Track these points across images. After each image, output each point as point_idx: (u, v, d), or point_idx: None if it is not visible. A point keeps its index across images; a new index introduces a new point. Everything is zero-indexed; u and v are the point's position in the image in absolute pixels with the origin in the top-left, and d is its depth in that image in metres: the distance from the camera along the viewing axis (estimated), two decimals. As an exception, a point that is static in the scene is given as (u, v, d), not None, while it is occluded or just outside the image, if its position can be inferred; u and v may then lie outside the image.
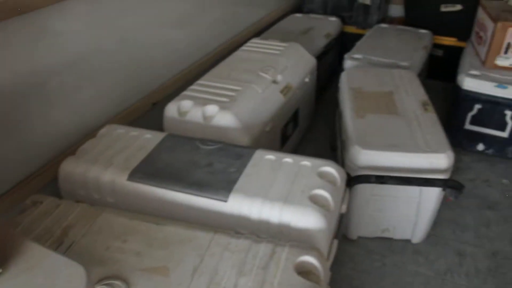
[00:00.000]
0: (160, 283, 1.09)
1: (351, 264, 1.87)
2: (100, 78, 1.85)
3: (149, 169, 1.47)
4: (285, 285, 1.07)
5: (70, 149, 1.70)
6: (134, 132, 1.67)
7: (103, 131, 1.70)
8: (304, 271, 1.13)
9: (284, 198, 1.31)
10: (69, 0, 1.60)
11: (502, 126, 2.45)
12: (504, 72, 2.46)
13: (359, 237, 1.97)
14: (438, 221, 2.04)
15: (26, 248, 0.98)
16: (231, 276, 1.10)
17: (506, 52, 2.45)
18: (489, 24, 2.49)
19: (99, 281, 1.09)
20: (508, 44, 2.43)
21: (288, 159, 1.48)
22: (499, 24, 2.39)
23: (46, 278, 0.91)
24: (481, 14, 2.70)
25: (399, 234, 1.95)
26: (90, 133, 1.77)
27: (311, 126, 2.72)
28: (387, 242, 1.96)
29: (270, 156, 1.50)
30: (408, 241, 1.97)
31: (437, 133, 1.83)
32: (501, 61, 2.48)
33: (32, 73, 1.53)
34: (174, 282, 1.09)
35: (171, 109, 1.84)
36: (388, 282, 1.79)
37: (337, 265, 1.82)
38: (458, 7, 3.12)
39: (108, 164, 1.48)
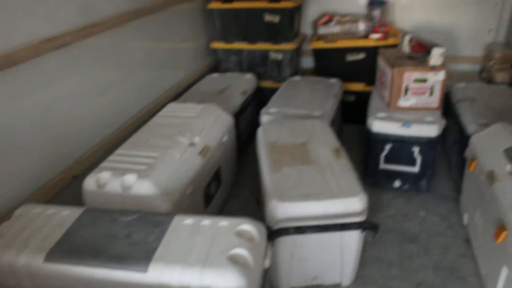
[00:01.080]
0: None
1: (285, 316, 1.89)
2: (14, 155, 1.83)
3: (67, 248, 1.44)
4: None
5: (-17, 235, 1.64)
6: (52, 210, 1.64)
7: (18, 212, 1.65)
8: (227, 334, 1.15)
9: (203, 261, 1.33)
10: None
11: (412, 162, 2.63)
12: (407, 112, 2.67)
13: None
14: (365, 260, 2.13)
15: None
16: None
17: (406, 93, 2.67)
18: (388, 70, 2.72)
19: None
20: (407, 87, 2.65)
21: (206, 221, 1.51)
22: (396, 70, 2.62)
23: None
24: (380, 62, 2.94)
25: (328, 280, 2.00)
26: (5, 215, 1.72)
27: (236, 182, 2.78)
28: (318, 289, 2.01)
29: (189, 220, 1.52)
30: (338, 285, 2.02)
31: (349, 178, 1.94)
32: (403, 102, 2.70)
33: None
34: None
35: (89, 182, 1.84)
36: (321, 329, 1.83)
37: (271, 319, 1.84)
38: (362, 55, 3.39)
39: (23, 247, 1.44)
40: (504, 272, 1.73)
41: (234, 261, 1.35)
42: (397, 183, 2.71)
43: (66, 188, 2.08)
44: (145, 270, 1.33)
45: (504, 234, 1.71)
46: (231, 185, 2.67)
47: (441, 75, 2.64)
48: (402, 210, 2.57)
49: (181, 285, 1.31)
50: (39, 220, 1.58)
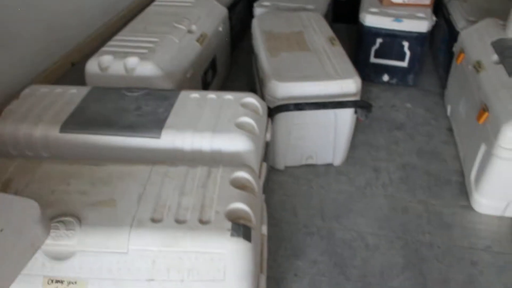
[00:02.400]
0: (109, 213, 1.17)
1: (281, 190, 2.04)
2: (13, 42, 1.82)
3: (80, 119, 1.51)
4: (224, 197, 1.19)
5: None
6: (59, 89, 1.69)
7: (26, 91, 1.68)
8: (239, 186, 1.26)
9: (212, 128, 1.42)
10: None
11: (401, 57, 2.71)
12: (399, 8, 2.70)
13: (286, 167, 2.14)
14: (355, 145, 2.27)
15: (-29, 195, 1.01)
16: (174, 197, 1.20)
17: (399, -11, 2.68)
18: (382, -36, 2.71)
19: (50, 220, 1.14)
20: (400, -19, 2.66)
21: (212, 95, 1.59)
22: (390, -37, 2.60)
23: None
24: (374, -45, 2.90)
25: (321, 160, 2.14)
26: (12, 95, 1.75)
27: (229, 74, 2.84)
28: (312, 168, 2.15)
29: (195, 95, 1.59)
30: (330, 164, 2.17)
31: (345, 63, 2.01)
32: (395, -2, 2.72)
33: None
34: (122, 211, 1.17)
35: (92, 65, 1.87)
36: (316, 201, 1.98)
37: (269, 193, 1.99)
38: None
39: (38, 120, 1.50)
40: (482, 149, 1.88)
41: (241, 127, 1.44)
42: (385, 77, 2.80)
43: (65, 75, 2.10)
44: (158, 136, 1.42)
45: (485, 115, 1.84)
46: (225, 76, 2.72)
47: (434, -29, 2.63)
48: (390, 101, 2.69)
49: (193, 149, 1.41)
50: (48, 98, 1.63)
